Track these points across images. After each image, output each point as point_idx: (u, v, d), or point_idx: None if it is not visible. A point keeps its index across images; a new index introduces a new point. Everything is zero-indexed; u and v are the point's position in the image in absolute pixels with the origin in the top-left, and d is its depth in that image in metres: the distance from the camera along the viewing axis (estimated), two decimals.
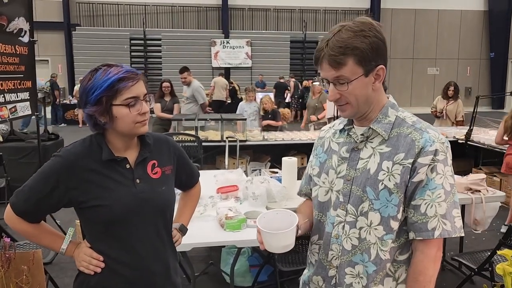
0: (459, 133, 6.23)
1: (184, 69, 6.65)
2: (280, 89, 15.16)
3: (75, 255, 1.46)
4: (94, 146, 1.42)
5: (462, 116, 6.77)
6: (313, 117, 6.73)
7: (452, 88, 6.56)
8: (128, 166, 1.44)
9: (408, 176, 1.24)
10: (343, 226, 1.32)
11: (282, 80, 15.57)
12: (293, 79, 16.02)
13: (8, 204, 1.42)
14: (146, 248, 1.45)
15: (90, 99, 1.35)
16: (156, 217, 1.47)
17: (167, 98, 6.50)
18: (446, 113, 6.63)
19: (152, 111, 1.69)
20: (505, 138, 4.52)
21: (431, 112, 6.82)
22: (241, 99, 15.22)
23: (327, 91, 1.30)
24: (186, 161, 1.67)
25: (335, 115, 6.92)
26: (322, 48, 1.24)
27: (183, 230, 1.69)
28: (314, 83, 7.37)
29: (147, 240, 1.45)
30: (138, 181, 1.43)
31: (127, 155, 1.45)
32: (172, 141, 1.62)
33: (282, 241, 1.27)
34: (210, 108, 7.13)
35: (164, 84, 6.59)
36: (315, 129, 6.61)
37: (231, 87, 15.70)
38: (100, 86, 1.34)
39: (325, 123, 6.82)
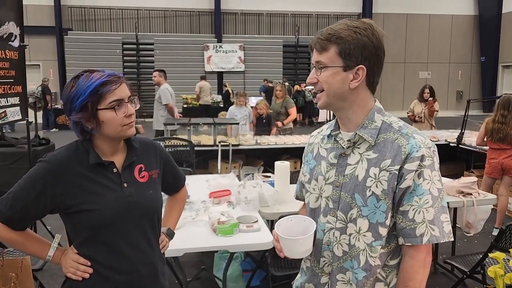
0: (451, 136, 6.27)
1: (157, 70, 6.85)
2: (268, 93, 14.91)
3: (62, 262, 1.43)
4: (81, 151, 1.41)
5: (437, 110, 6.79)
6: (279, 123, 6.65)
7: (427, 90, 6.68)
8: (115, 170, 1.43)
9: (396, 183, 1.23)
10: (334, 232, 1.31)
11: (270, 84, 15.36)
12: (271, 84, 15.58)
13: None
14: (134, 252, 1.44)
15: (75, 106, 1.34)
16: (143, 220, 1.47)
17: None
18: (424, 116, 6.69)
19: None
20: (485, 139, 4.68)
21: (408, 116, 6.82)
22: (233, 103, 15.13)
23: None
24: (172, 165, 1.67)
25: (328, 119, 6.95)
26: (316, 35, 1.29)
27: (170, 234, 1.69)
28: (271, 84, 7.28)
29: (135, 244, 1.44)
30: (125, 185, 1.43)
31: (114, 159, 1.44)
32: (158, 145, 1.62)
33: (303, 246, 1.28)
34: (181, 115, 7.11)
35: None
36: (280, 135, 6.57)
37: (224, 91, 15.63)
38: (84, 92, 1.33)
39: (290, 129, 6.83)
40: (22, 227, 1.42)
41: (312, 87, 1.34)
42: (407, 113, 6.89)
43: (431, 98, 6.67)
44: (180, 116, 6.95)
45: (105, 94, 1.34)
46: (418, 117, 6.64)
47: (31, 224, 3.70)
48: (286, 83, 15.70)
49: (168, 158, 1.64)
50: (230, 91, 15.43)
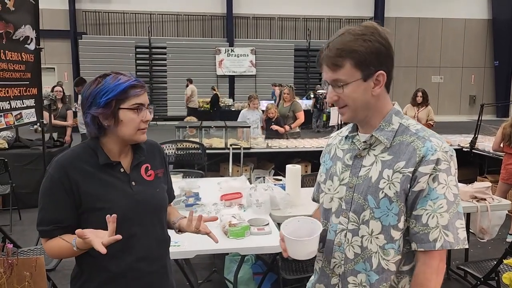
0: (464, 141, 6.21)
1: (79, 82, 6.73)
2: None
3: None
4: (88, 151, 1.44)
5: (433, 120, 6.64)
6: (286, 127, 6.58)
7: (420, 94, 6.58)
8: (122, 170, 1.46)
9: (408, 185, 1.21)
10: (345, 234, 1.31)
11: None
12: (278, 87, 14.96)
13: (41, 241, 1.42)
14: (144, 249, 1.46)
15: (100, 101, 1.37)
16: (152, 218, 1.50)
17: (60, 105, 6.33)
18: (417, 120, 6.59)
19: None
20: (501, 146, 4.62)
21: None
22: (222, 107, 15.15)
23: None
24: (169, 175, 1.68)
25: (339, 123, 6.92)
26: (323, 50, 1.26)
27: None
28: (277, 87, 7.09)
29: (144, 241, 1.47)
30: (133, 183, 1.46)
31: (121, 160, 1.48)
32: (161, 147, 1.66)
33: (307, 248, 1.28)
34: None
35: (56, 88, 6.39)
36: (287, 138, 6.53)
37: (213, 94, 15.50)
38: (112, 89, 1.38)
39: (298, 133, 6.77)
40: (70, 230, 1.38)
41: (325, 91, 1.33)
42: None
43: (411, 106, 6.57)
44: None
45: (131, 96, 1.40)
46: None
47: None
48: (278, 87, 15.27)
49: (167, 164, 1.67)
50: (219, 95, 15.42)
